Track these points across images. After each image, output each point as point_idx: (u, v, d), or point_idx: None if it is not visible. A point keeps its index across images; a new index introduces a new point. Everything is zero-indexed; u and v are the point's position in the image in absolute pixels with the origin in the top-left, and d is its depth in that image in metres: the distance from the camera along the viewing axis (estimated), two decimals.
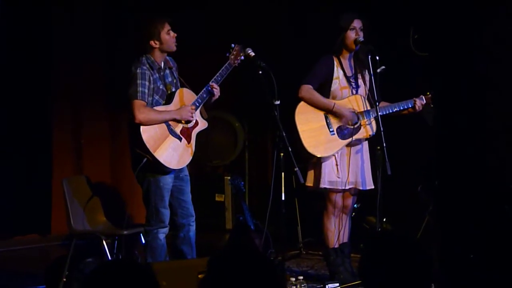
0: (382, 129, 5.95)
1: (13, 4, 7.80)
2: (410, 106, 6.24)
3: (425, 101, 6.27)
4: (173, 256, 6.02)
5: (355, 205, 6.45)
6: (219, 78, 5.99)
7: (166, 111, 5.82)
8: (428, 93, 6.29)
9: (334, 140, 6.08)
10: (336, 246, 6.21)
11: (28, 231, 8.10)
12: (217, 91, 5.97)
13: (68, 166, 8.21)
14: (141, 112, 5.70)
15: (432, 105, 6.26)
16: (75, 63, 8.27)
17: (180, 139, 5.85)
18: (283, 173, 5.76)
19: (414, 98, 6.23)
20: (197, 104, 5.93)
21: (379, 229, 6.22)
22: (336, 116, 6.09)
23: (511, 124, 6.63)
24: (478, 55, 6.82)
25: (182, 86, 6.02)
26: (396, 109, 6.19)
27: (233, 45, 6.08)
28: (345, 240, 6.26)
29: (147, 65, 5.81)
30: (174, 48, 5.91)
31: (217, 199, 8.75)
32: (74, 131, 8.36)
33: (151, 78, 5.79)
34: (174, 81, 6.00)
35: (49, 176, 8.10)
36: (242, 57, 6.05)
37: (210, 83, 5.96)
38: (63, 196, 6.44)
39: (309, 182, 6.15)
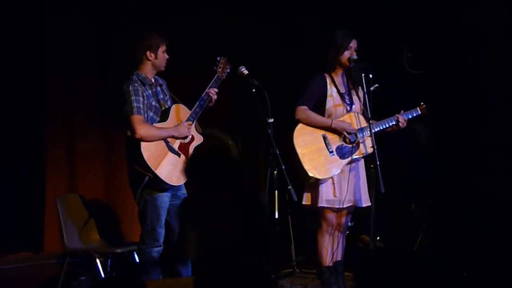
0: (375, 147, 5.94)
1: (5, 21, 7.79)
2: (394, 123, 6.24)
3: (420, 112, 6.29)
4: (168, 275, 5.99)
5: (349, 223, 6.45)
6: None
7: (164, 128, 5.82)
8: (422, 104, 6.29)
9: (335, 160, 6.05)
10: (330, 264, 6.19)
11: (21, 249, 8.05)
12: (214, 96, 5.99)
13: (61, 184, 8.17)
14: (142, 127, 5.68)
15: (426, 116, 6.27)
16: (67, 80, 8.24)
17: (179, 155, 5.85)
18: (276, 191, 5.76)
19: (397, 115, 6.23)
20: (192, 119, 5.94)
21: (373, 247, 6.22)
22: (335, 133, 6.08)
23: (505, 142, 6.64)
24: (472, 73, 6.84)
25: (175, 102, 6.03)
26: (381, 127, 6.18)
27: (218, 58, 6.11)
28: (339, 258, 6.23)
29: (139, 82, 5.82)
30: (163, 68, 5.96)
31: None
32: (67, 149, 8.31)
33: (144, 94, 5.79)
34: (166, 98, 6.01)
35: (42, 193, 8.06)
36: (229, 70, 6.09)
37: (203, 95, 5.97)
38: (57, 214, 6.41)
39: (307, 201, 6.13)
